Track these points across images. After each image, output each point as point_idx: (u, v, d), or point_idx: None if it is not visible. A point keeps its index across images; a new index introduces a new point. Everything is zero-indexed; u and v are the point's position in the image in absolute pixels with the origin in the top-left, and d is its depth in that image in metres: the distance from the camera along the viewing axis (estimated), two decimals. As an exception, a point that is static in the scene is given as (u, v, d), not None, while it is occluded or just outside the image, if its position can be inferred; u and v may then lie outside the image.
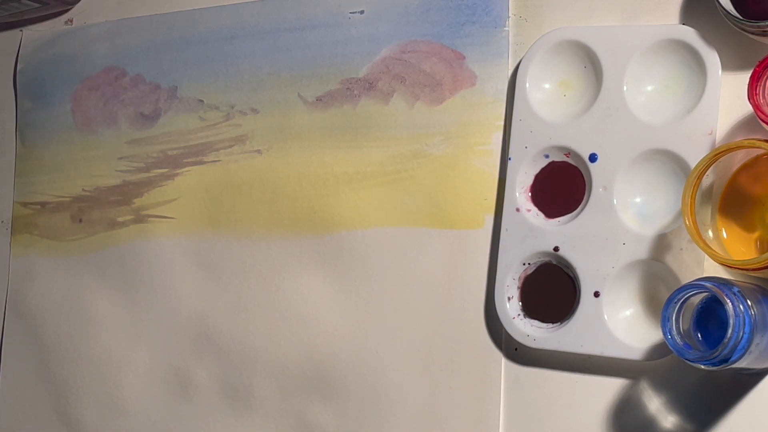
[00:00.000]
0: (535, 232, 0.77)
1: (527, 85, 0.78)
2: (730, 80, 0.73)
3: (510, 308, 0.77)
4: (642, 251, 0.73)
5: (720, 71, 0.72)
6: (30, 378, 0.96)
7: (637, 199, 0.75)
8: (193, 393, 0.90)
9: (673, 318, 0.65)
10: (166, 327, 0.91)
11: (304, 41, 0.88)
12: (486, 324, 0.79)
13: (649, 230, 0.74)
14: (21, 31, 1.00)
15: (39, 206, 0.97)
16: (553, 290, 0.77)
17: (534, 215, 0.78)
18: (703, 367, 0.64)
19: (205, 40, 0.92)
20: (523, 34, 0.81)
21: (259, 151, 0.89)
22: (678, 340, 0.65)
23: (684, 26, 0.74)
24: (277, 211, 0.87)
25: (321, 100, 0.87)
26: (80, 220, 0.95)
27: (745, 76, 0.68)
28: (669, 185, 0.74)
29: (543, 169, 0.78)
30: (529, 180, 0.79)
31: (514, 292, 0.78)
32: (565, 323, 0.76)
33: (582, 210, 0.76)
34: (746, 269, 0.67)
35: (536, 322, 0.77)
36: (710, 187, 0.71)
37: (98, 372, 0.94)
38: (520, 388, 0.78)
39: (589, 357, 0.75)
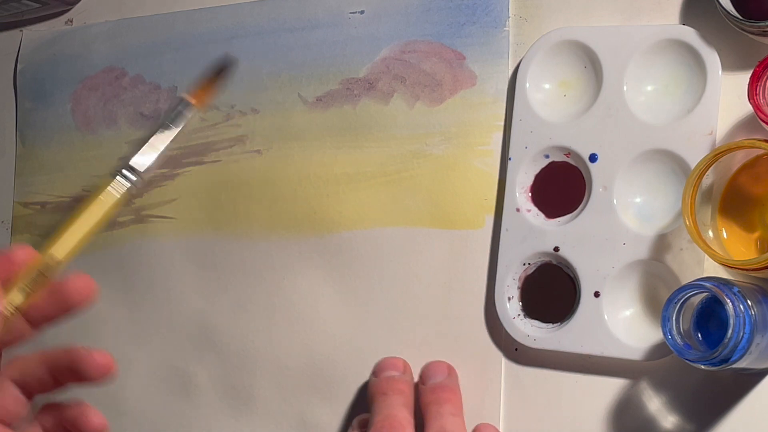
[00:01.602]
0: (535, 232, 0.77)
1: (527, 85, 0.78)
2: (730, 80, 0.72)
3: (510, 308, 0.77)
4: (642, 251, 0.73)
5: (720, 71, 0.72)
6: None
7: (637, 199, 0.75)
8: (193, 393, 0.90)
9: (673, 318, 0.65)
10: (166, 327, 0.91)
11: (303, 41, 0.88)
12: (486, 324, 0.79)
13: (649, 230, 0.74)
14: (21, 31, 1.00)
15: (39, 206, 0.97)
16: (553, 290, 0.77)
17: (534, 215, 0.78)
18: (703, 367, 0.64)
19: (205, 40, 0.92)
20: (523, 34, 0.80)
21: (259, 152, 0.89)
22: (678, 340, 0.65)
23: (684, 26, 0.74)
24: (277, 211, 0.87)
25: (321, 100, 0.87)
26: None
27: (745, 76, 0.67)
28: (669, 185, 0.74)
29: (543, 169, 0.78)
30: (529, 180, 0.79)
31: (514, 292, 0.78)
32: (565, 323, 0.76)
33: (582, 210, 0.76)
34: (746, 269, 0.67)
35: (536, 322, 0.77)
36: (710, 187, 0.71)
37: (98, 372, 0.93)
38: (520, 388, 0.78)
39: (589, 357, 0.75)
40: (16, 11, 0.97)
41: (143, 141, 0.67)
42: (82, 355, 0.65)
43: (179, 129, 0.68)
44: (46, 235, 0.96)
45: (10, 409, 0.67)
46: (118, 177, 0.66)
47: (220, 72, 0.73)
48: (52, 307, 0.65)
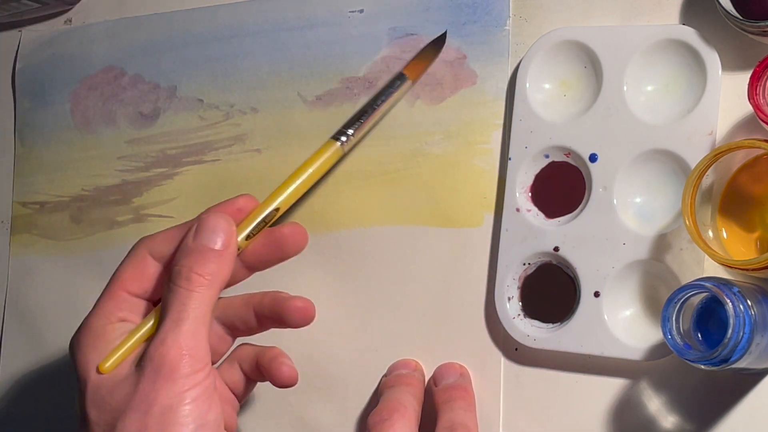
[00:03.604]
0: (535, 232, 0.77)
1: (527, 85, 0.78)
2: (730, 80, 0.73)
3: (510, 308, 0.77)
4: (642, 251, 0.73)
5: (720, 71, 0.72)
6: (29, 377, 0.96)
7: (637, 199, 0.75)
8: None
9: (673, 318, 0.65)
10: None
11: (303, 40, 0.88)
12: (486, 324, 0.79)
13: (649, 230, 0.74)
14: (20, 31, 1.00)
15: (38, 206, 0.97)
16: (553, 290, 0.77)
17: (534, 215, 0.78)
18: (703, 367, 0.64)
19: (204, 40, 0.92)
20: (523, 34, 0.80)
21: (258, 150, 0.89)
22: (678, 340, 0.65)
23: (684, 26, 0.74)
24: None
25: (321, 99, 0.87)
26: (79, 220, 0.95)
27: (745, 76, 0.67)
28: (669, 185, 0.74)
29: (543, 169, 0.78)
30: (529, 180, 0.79)
31: (514, 293, 0.78)
32: (565, 323, 0.76)
33: (582, 210, 0.76)
34: (746, 269, 0.67)
35: (536, 322, 0.77)
36: (710, 187, 0.71)
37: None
38: (520, 388, 0.78)
39: (589, 357, 0.75)
40: (16, 11, 0.97)
41: (360, 110, 0.78)
42: (284, 299, 0.72)
43: (393, 99, 0.79)
44: (45, 234, 0.96)
45: (214, 345, 0.71)
46: (337, 140, 0.76)
47: (434, 47, 0.81)
48: (268, 251, 0.71)
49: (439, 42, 0.83)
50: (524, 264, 0.78)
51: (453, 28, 0.83)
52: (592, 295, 0.74)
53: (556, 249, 0.76)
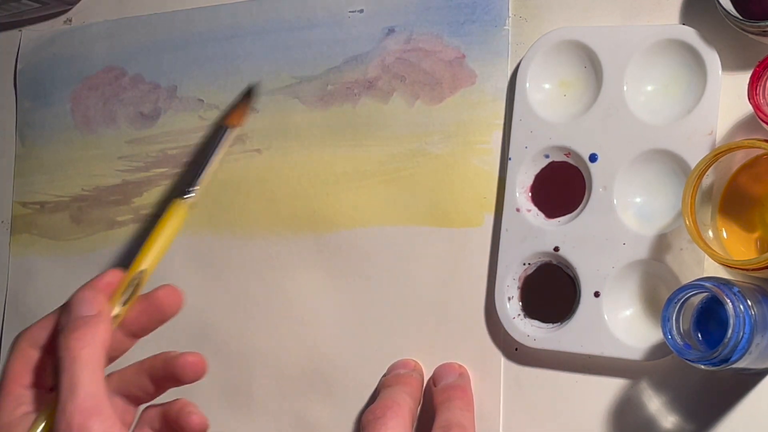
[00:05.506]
0: (535, 232, 0.77)
1: (527, 85, 0.78)
2: (730, 80, 0.73)
3: (510, 308, 0.77)
4: (642, 251, 0.73)
5: (720, 71, 0.72)
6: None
7: (637, 199, 0.75)
8: (192, 391, 0.89)
9: (673, 318, 0.65)
10: (164, 325, 0.91)
11: (303, 40, 0.88)
12: (486, 324, 0.79)
13: (649, 230, 0.74)
14: (20, 31, 1.00)
15: (38, 206, 0.97)
16: (553, 290, 0.77)
17: (534, 215, 0.78)
18: (703, 367, 0.64)
19: (204, 40, 0.92)
20: (523, 34, 0.80)
21: (258, 151, 0.89)
22: (678, 340, 0.65)
23: (684, 26, 0.74)
24: (277, 210, 0.87)
25: (321, 99, 0.87)
26: (79, 220, 0.95)
27: (745, 76, 0.67)
28: (669, 185, 0.74)
29: (543, 169, 0.78)
30: (529, 180, 0.79)
31: (515, 293, 0.78)
32: (565, 323, 0.76)
33: (582, 210, 0.76)
34: (746, 269, 0.67)
35: (536, 322, 0.77)
36: (710, 187, 0.71)
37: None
38: (520, 388, 0.78)
39: (589, 357, 0.75)
40: (16, 11, 0.97)
41: (196, 166, 0.82)
42: (174, 357, 0.72)
43: (222, 150, 0.83)
44: (45, 234, 0.96)
45: (119, 418, 0.70)
46: (182, 198, 0.78)
47: (246, 97, 0.86)
48: (148, 316, 0.72)
49: (250, 92, 0.87)
50: (524, 264, 0.78)
51: (452, 27, 0.83)
52: (592, 295, 0.74)
53: (556, 249, 0.76)
